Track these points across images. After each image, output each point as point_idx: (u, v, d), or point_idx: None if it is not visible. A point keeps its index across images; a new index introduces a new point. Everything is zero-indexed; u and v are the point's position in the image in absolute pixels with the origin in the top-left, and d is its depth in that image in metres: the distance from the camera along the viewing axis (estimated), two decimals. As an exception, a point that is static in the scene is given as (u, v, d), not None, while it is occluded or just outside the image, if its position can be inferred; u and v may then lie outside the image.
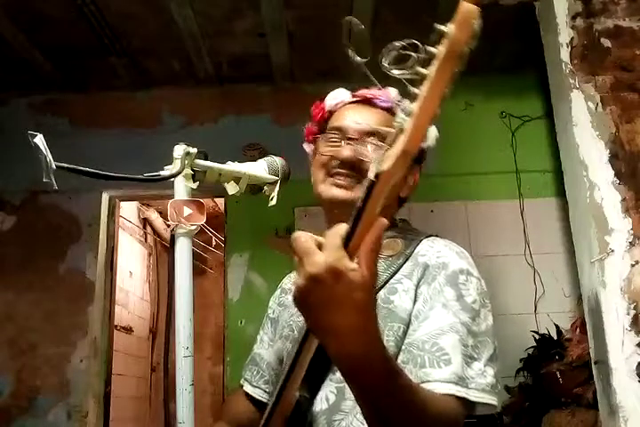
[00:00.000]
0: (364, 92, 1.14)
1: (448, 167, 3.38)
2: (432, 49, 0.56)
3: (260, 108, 3.56)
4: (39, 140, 0.96)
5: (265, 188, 1.21)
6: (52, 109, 3.61)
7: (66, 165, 0.99)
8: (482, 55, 3.39)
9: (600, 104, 2.42)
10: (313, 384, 0.96)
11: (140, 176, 1.11)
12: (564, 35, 2.53)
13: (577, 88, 2.45)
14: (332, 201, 1.06)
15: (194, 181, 1.15)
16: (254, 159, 1.22)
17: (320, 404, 0.97)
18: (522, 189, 3.39)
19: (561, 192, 2.87)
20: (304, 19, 3.03)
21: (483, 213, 3.35)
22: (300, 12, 2.97)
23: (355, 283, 0.64)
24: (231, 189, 1.18)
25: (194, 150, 1.13)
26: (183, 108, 3.61)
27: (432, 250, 1.02)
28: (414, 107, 0.57)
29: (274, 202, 1.19)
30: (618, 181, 2.32)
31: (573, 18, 2.55)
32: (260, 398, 1.19)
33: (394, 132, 0.61)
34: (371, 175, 0.61)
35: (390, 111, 1.10)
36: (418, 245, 1.04)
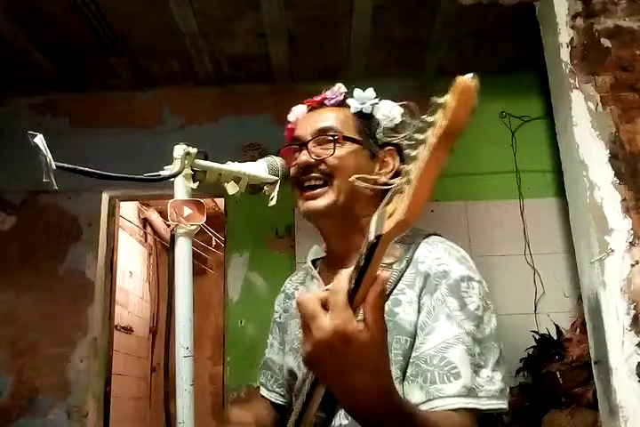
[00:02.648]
0: (314, 98, 1.20)
1: (448, 167, 3.33)
2: (428, 119, 0.55)
3: (260, 108, 3.56)
4: (39, 140, 0.96)
5: (265, 188, 1.21)
6: (52, 109, 3.61)
7: (66, 165, 0.99)
8: (482, 55, 3.39)
9: (600, 104, 2.42)
10: (328, 403, 0.96)
11: (140, 176, 1.11)
12: (564, 35, 2.53)
13: (577, 88, 2.45)
14: (309, 215, 1.11)
15: (194, 181, 1.14)
16: (254, 159, 1.22)
17: (339, 420, 0.97)
18: (522, 189, 3.38)
19: (561, 192, 2.87)
20: (304, 19, 3.03)
21: (483, 213, 3.35)
22: (300, 12, 2.97)
23: (364, 344, 0.63)
24: (231, 189, 1.18)
25: (194, 150, 1.13)
26: (183, 108, 3.61)
27: (431, 256, 1.01)
28: (413, 174, 0.57)
29: (274, 202, 1.19)
30: (618, 181, 2.32)
31: (573, 18, 2.55)
32: (276, 401, 1.22)
33: (393, 190, 0.61)
34: (371, 237, 0.61)
35: (342, 105, 1.15)
36: (417, 248, 1.03)
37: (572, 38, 2.52)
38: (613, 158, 2.35)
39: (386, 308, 0.96)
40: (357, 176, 0.85)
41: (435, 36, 3.20)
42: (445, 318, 0.93)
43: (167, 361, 1.16)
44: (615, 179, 2.32)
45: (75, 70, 3.45)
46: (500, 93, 3.53)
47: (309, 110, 1.20)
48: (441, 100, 0.54)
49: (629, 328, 2.15)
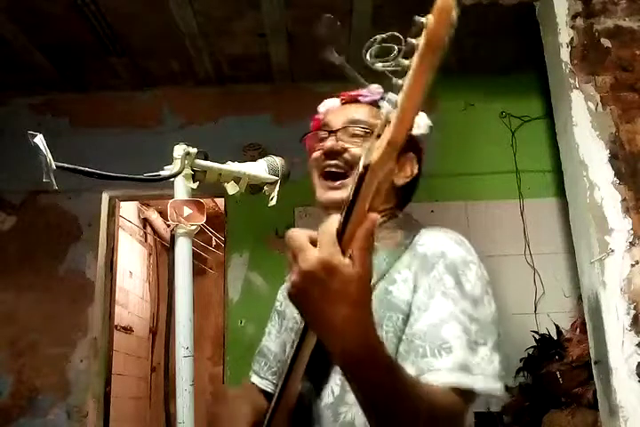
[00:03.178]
0: (348, 92, 1.19)
1: (448, 167, 3.38)
2: (412, 40, 0.56)
3: (260, 108, 3.56)
4: (39, 140, 0.96)
5: (265, 188, 1.21)
6: (52, 109, 3.61)
7: (66, 165, 0.99)
8: (482, 55, 3.39)
9: (600, 104, 2.42)
10: (317, 376, 0.96)
11: (140, 176, 1.11)
12: (564, 35, 2.54)
13: (577, 88, 2.45)
14: (328, 204, 1.10)
15: (194, 181, 1.15)
16: (254, 159, 1.22)
17: (326, 397, 0.97)
18: (522, 189, 3.38)
19: (561, 192, 2.87)
20: (304, 19, 3.03)
21: (483, 213, 3.35)
22: (300, 12, 2.97)
23: (348, 277, 0.65)
24: (231, 189, 1.18)
25: (194, 150, 1.13)
26: (183, 108, 3.61)
27: (430, 239, 1.02)
28: (399, 97, 0.57)
29: (274, 202, 1.19)
30: (618, 181, 2.32)
31: (573, 18, 2.55)
32: (267, 389, 1.21)
33: (381, 124, 0.62)
34: (359, 167, 0.62)
35: (376, 105, 1.15)
36: (417, 235, 1.04)
37: (572, 38, 2.52)
38: (613, 158, 2.35)
39: (380, 286, 0.97)
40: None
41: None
42: (441, 296, 0.93)
43: (167, 361, 1.16)
44: (615, 179, 2.32)
45: (75, 70, 3.45)
46: (500, 93, 3.53)
47: (342, 104, 1.20)
48: (422, 20, 0.55)
49: (629, 328, 2.15)
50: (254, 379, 1.24)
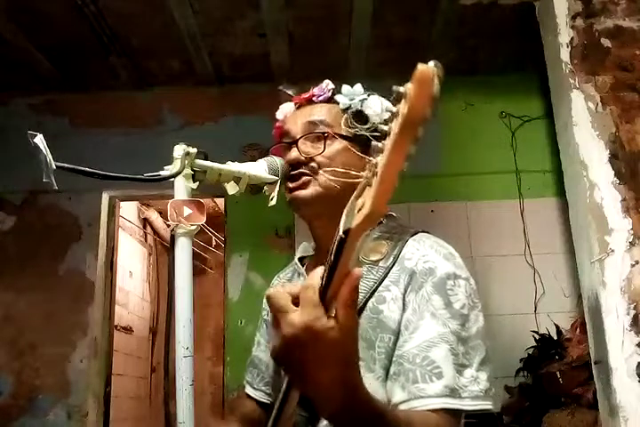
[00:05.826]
0: (301, 95, 1.19)
1: (448, 167, 3.38)
2: (392, 108, 0.56)
3: (260, 108, 3.56)
4: (39, 140, 0.96)
5: (265, 188, 1.21)
6: (52, 109, 3.61)
7: (66, 165, 0.99)
8: (482, 55, 3.40)
9: (600, 104, 2.42)
10: (310, 403, 0.95)
11: (140, 176, 1.11)
12: (564, 35, 2.53)
13: (577, 88, 2.45)
14: (293, 203, 1.10)
15: (194, 181, 1.14)
16: (254, 159, 1.22)
17: (322, 422, 0.96)
18: (522, 189, 3.39)
19: (561, 192, 2.87)
20: (304, 19, 3.03)
21: (483, 213, 3.35)
22: (300, 12, 2.97)
23: (333, 341, 0.63)
24: (231, 189, 1.18)
25: (194, 150, 1.13)
26: (183, 108, 3.61)
27: (418, 253, 1.00)
28: (379, 165, 0.56)
29: (274, 202, 1.19)
30: (618, 181, 2.32)
31: (573, 18, 2.55)
32: (261, 399, 1.20)
33: (361, 186, 0.61)
34: (340, 232, 0.61)
35: (331, 101, 1.15)
36: (404, 246, 1.02)
37: (572, 38, 2.52)
38: (613, 158, 2.35)
39: (370, 305, 0.96)
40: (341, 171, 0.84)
41: (435, 36, 3.20)
42: (430, 317, 0.92)
43: (167, 361, 1.16)
44: (615, 179, 2.32)
45: (75, 70, 3.45)
46: (500, 93, 3.53)
47: (297, 107, 1.19)
48: (402, 89, 0.54)
49: (629, 328, 2.15)
50: (249, 390, 1.24)
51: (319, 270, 0.65)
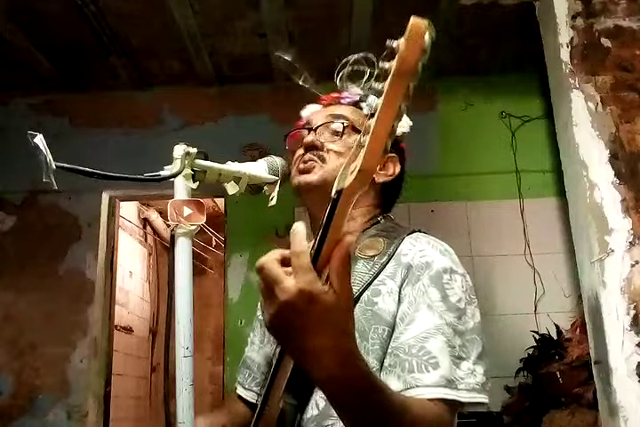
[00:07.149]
0: (330, 95, 1.21)
1: (448, 167, 3.38)
2: (385, 65, 0.55)
3: (259, 108, 3.56)
4: (39, 140, 0.96)
5: (265, 188, 1.21)
6: (52, 109, 3.61)
7: (66, 165, 0.99)
8: (482, 55, 3.40)
9: (600, 104, 2.42)
10: (300, 391, 0.94)
11: (140, 176, 1.11)
12: (564, 35, 2.53)
13: (577, 88, 2.45)
14: (299, 187, 1.11)
15: (194, 181, 1.14)
16: (254, 159, 1.22)
17: (310, 410, 0.95)
18: (522, 189, 3.38)
19: (561, 192, 2.87)
20: (304, 19, 3.03)
21: (483, 213, 3.35)
22: (300, 12, 2.97)
23: (328, 305, 0.63)
24: (231, 189, 1.18)
25: (194, 150, 1.13)
26: (183, 108, 3.62)
27: (414, 249, 1.00)
28: (371, 123, 0.56)
29: (274, 202, 1.19)
30: (618, 181, 2.32)
31: (573, 18, 2.55)
32: (252, 400, 1.20)
33: (354, 149, 0.61)
34: (332, 192, 0.61)
35: (357, 105, 1.18)
36: (400, 243, 1.02)
37: (572, 38, 2.52)
38: (613, 158, 2.35)
39: (365, 297, 0.97)
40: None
41: (435, 36, 3.20)
42: (426, 309, 0.92)
43: (167, 361, 1.16)
44: (615, 179, 2.32)
45: (75, 70, 3.45)
46: (500, 93, 3.53)
47: (325, 106, 1.22)
48: (395, 44, 0.53)
49: (629, 328, 2.15)
50: (240, 391, 1.24)
51: (301, 230, 0.64)
